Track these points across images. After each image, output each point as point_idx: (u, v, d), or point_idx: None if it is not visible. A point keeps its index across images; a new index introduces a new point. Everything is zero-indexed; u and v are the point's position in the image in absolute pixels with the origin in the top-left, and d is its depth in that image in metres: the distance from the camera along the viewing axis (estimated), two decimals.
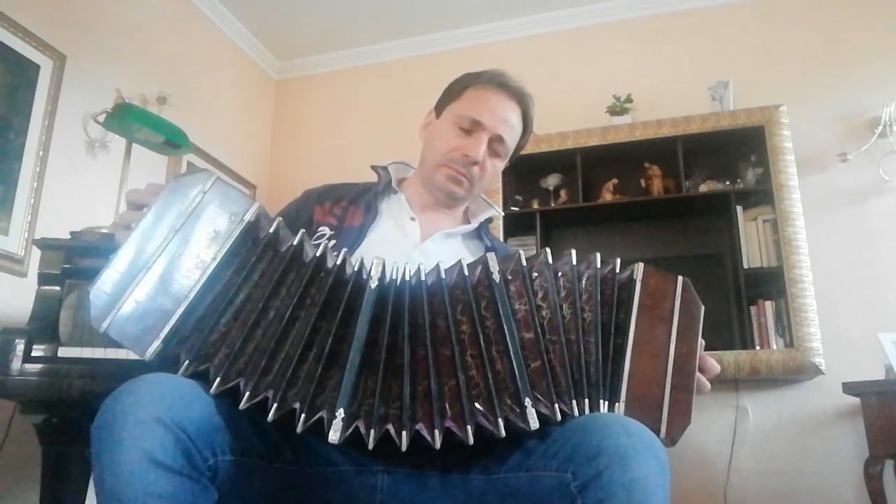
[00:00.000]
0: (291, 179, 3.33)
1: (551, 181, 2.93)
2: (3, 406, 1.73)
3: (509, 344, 0.81)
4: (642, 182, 2.86)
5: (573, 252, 0.88)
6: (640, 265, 0.91)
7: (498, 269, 0.84)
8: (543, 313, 0.85)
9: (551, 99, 3.11)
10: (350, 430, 0.76)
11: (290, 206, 1.25)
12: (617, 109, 2.89)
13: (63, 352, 1.53)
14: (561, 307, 0.86)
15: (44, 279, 1.61)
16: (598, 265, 0.89)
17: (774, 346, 2.49)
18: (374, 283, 0.82)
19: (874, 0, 2.82)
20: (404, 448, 0.77)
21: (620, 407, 0.84)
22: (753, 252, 2.61)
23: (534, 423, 0.78)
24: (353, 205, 1.20)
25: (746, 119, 2.66)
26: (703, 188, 2.74)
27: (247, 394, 0.77)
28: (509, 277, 0.85)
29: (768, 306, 2.55)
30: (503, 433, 0.78)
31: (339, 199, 1.21)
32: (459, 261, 0.86)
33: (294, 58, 3.62)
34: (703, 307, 0.91)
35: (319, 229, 1.15)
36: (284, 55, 3.61)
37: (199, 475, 0.71)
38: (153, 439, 0.68)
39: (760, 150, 2.65)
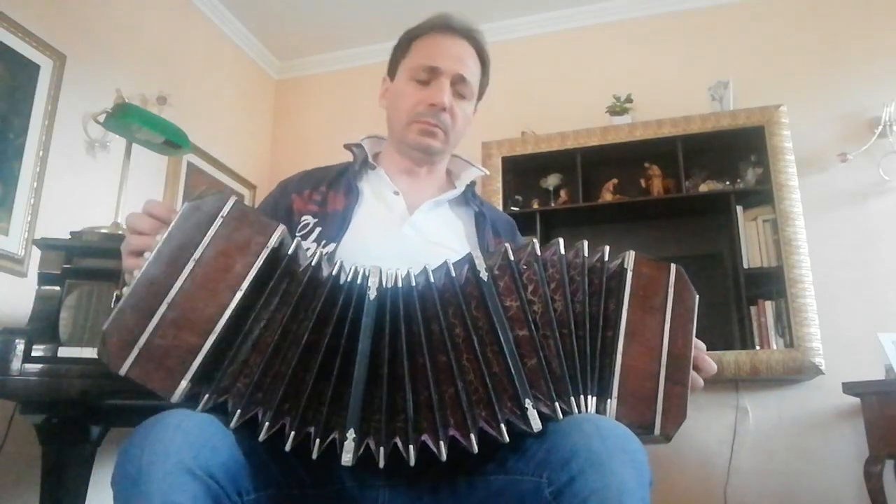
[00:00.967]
0: None
1: (551, 181, 2.92)
2: (3, 406, 1.73)
3: (503, 343, 0.78)
4: (642, 182, 2.86)
5: (560, 241, 0.85)
6: (632, 253, 0.87)
7: (485, 266, 0.81)
8: (535, 308, 0.81)
9: (551, 99, 3.15)
10: (362, 450, 0.75)
11: (267, 200, 1.21)
12: (617, 109, 2.88)
13: (63, 352, 1.53)
14: (552, 299, 0.82)
15: (44, 279, 1.62)
16: (586, 254, 0.86)
17: (774, 346, 2.49)
18: (372, 294, 0.79)
19: (874, 0, 2.82)
20: (413, 462, 0.75)
21: (612, 403, 0.80)
22: (753, 252, 2.60)
23: (536, 425, 0.75)
24: (332, 188, 1.16)
25: (746, 119, 2.66)
26: (703, 188, 2.73)
27: (265, 424, 0.74)
28: (497, 273, 0.81)
29: (768, 306, 2.54)
30: (506, 438, 0.75)
31: (317, 185, 1.17)
32: (445, 261, 0.83)
33: (294, 58, 3.62)
34: (697, 296, 0.88)
35: (302, 219, 1.10)
36: (284, 55, 3.61)
37: None
38: (183, 492, 0.65)
39: (760, 150, 2.64)
